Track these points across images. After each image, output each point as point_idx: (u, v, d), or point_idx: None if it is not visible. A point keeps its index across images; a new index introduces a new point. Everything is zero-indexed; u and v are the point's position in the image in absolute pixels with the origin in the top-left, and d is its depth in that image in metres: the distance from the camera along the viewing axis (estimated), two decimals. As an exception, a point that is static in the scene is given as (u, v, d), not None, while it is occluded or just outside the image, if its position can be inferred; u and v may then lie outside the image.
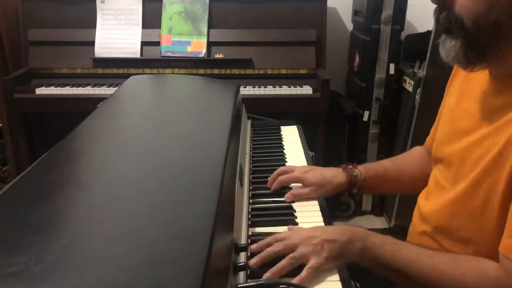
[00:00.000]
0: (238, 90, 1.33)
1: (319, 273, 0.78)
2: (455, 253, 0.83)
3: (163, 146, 0.91)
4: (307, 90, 2.16)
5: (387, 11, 2.22)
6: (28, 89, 2.15)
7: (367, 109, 2.37)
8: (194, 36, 2.25)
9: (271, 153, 1.31)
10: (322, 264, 0.78)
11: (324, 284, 0.77)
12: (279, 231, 0.88)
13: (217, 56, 2.24)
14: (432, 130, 1.09)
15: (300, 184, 1.08)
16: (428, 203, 0.96)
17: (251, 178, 1.15)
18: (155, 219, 0.63)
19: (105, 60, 2.23)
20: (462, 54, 0.76)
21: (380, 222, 2.47)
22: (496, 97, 0.81)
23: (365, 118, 2.38)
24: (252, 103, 1.82)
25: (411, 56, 2.27)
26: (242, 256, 0.78)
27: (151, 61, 2.24)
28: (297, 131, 1.52)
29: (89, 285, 0.49)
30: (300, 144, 1.42)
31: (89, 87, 2.16)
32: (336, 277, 0.78)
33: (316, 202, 1.04)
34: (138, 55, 2.24)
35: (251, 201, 1.04)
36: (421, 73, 1.96)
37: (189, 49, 2.24)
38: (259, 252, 0.80)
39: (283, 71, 2.26)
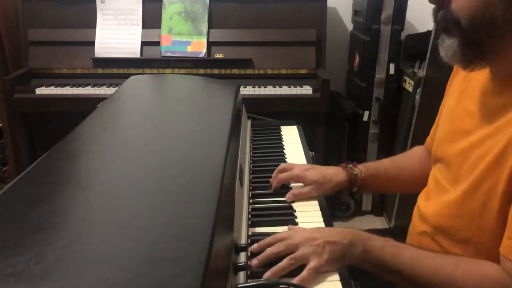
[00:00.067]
0: (238, 90, 1.33)
1: (319, 273, 0.78)
2: (456, 255, 0.83)
3: (163, 146, 0.91)
4: (307, 90, 2.16)
5: (387, 11, 2.22)
6: (28, 89, 2.15)
7: (367, 109, 2.37)
8: (194, 36, 2.25)
9: (271, 153, 1.31)
10: (323, 266, 0.78)
11: (324, 284, 0.77)
12: (279, 231, 0.87)
13: (217, 56, 2.24)
14: (432, 130, 1.09)
15: (301, 184, 1.08)
16: (428, 203, 0.95)
17: (251, 178, 1.15)
18: (155, 219, 0.63)
19: (105, 60, 2.23)
20: (460, 53, 0.76)
21: (380, 222, 2.47)
22: (496, 97, 0.81)
23: (365, 118, 2.38)
24: (252, 103, 1.82)
25: (411, 56, 2.27)
26: (242, 256, 0.77)
27: (151, 61, 2.24)
28: (297, 131, 1.52)
29: (89, 285, 0.49)
30: (300, 144, 1.42)
31: (89, 87, 2.16)
32: (336, 277, 0.78)
33: (316, 202, 1.04)
34: (138, 55, 2.24)
35: (251, 201, 1.04)
36: (421, 73, 1.96)
37: (189, 49, 2.24)
38: (259, 252, 0.80)
39: (283, 71, 2.26)
